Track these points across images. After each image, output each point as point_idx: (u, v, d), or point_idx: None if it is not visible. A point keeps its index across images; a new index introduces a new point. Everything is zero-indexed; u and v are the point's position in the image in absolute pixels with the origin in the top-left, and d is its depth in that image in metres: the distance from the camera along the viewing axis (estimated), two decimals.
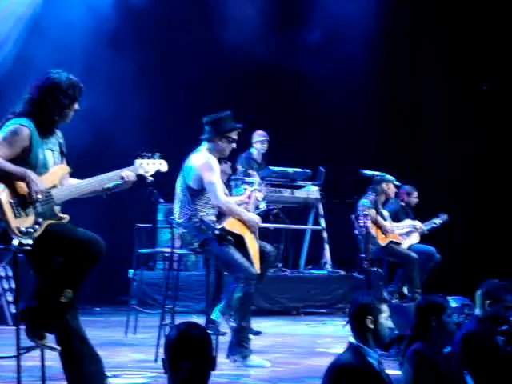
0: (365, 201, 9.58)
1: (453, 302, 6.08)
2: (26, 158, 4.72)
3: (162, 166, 5.31)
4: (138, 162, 5.18)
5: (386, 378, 4.34)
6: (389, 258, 9.79)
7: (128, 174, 4.94)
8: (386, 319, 4.36)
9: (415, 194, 10.39)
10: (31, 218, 4.64)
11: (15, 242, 4.53)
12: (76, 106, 4.89)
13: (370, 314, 4.33)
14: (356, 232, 9.50)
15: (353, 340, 4.34)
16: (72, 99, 4.84)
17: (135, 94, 11.26)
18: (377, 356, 4.36)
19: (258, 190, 7.07)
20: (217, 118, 6.65)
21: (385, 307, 4.35)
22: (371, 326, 4.32)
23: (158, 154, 5.28)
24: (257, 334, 8.35)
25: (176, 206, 6.66)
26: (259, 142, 10.95)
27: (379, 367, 4.33)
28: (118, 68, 10.85)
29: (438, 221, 10.44)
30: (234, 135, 6.65)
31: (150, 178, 5.24)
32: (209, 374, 3.24)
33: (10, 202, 4.60)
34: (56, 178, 4.84)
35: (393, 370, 5.80)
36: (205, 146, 6.62)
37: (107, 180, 4.94)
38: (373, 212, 9.40)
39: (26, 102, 4.82)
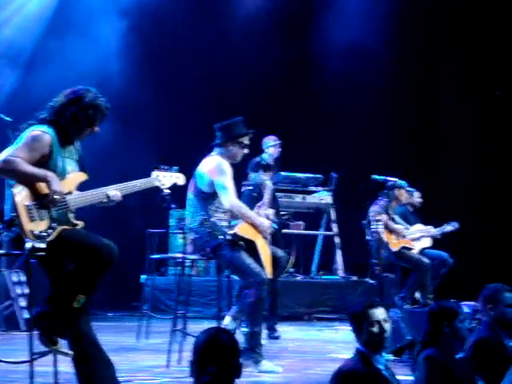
0: (376, 206, 9.56)
1: (465, 308, 6.08)
2: (44, 163, 4.75)
3: (179, 179, 5.36)
4: (154, 173, 5.22)
5: (393, 381, 4.33)
6: (401, 263, 9.76)
7: (116, 193, 4.94)
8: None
9: (416, 194, 10.35)
10: (45, 223, 4.67)
11: (28, 245, 4.55)
12: (96, 129, 4.92)
13: (364, 319, 4.31)
14: (368, 237, 9.48)
15: (359, 346, 4.34)
16: (90, 120, 4.87)
17: (146, 102, 11.31)
18: (384, 361, 4.34)
19: (265, 205, 7.03)
20: (228, 124, 6.67)
21: (377, 311, 4.31)
22: (370, 331, 4.29)
23: (175, 167, 5.31)
24: (277, 338, 8.38)
25: (188, 212, 6.67)
26: (272, 146, 10.90)
27: (387, 372, 4.32)
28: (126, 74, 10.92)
29: (449, 228, 10.41)
30: (246, 140, 6.67)
31: (167, 191, 5.27)
32: (233, 381, 3.26)
33: (26, 205, 4.63)
34: (72, 184, 4.87)
35: (405, 376, 5.82)
36: (217, 151, 6.64)
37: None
38: (384, 217, 9.38)
39: (50, 109, 4.86)
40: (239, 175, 7.47)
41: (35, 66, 10.74)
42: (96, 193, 4.91)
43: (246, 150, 6.69)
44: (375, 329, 4.28)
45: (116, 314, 10.72)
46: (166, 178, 5.25)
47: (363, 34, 12.19)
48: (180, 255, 7.01)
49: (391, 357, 7.02)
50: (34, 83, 10.09)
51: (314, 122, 12.44)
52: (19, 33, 10.93)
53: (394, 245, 9.63)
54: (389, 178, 9.28)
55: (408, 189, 9.84)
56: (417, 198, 10.36)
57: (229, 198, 6.46)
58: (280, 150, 10.91)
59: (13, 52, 10.86)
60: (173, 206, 7.24)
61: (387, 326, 4.32)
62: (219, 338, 3.26)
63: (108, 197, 4.91)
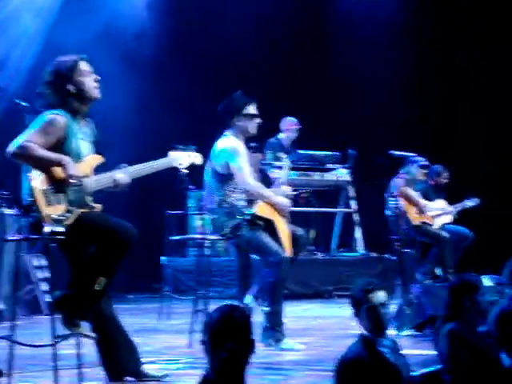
0: (398, 180, 9.50)
1: (487, 281, 6.06)
2: (60, 146, 4.76)
3: (197, 158, 5.35)
4: (171, 154, 5.21)
5: (400, 365, 4.26)
6: (421, 238, 9.72)
7: (121, 176, 4.92)
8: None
9: (445, 174, 10.28)
10: (63, 206, 4.68)
11: (47, 229, 4.57)
12: (91, 78, 4.88)
13: (363, 304, 4.28)
14: (388, 212, 9.45)
15: (363, 330, 4.30)
16: (65, 74, 4.83)
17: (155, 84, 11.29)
18: (389, 344, 4.31)
19: (284, 183, 7.00)
20: (227, 102, 6.59)
21: (375, 295, 4.26)
22: (369, 315, 4.25)
23: (192, 146, 5.30)
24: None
25: (206, 193, 6.66)
26: (290, 130, 10.87)
27: (393, 356, 4.28)
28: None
29: (469, 203, 10.36)
30: (252, 110, 6.57)
31: (185, 171, 5.26)
32: (249, 356, 3.26)
33: (43, 190, 4.64)
34: (88, 167, 4.88)
35: (427, 350, 5.81)
36: (229, 132, 6.59)
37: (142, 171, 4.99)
38: (407, 190, 9.32)
39: (50, 94, 4.85)
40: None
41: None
42: (111, 175, 4.91)
43: (257, 120, 6.58)
44: (374, 313, 4.23)
45: (137, 296, 10.77)
46: (183, 158, 5.24)
47: (380, 4, 12.11)
48: (199, 236, 7.02)
49: (413, 332, 7.03)
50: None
51: (330, 98, 12.38)
52: None
53: (415, 218, 9.59)
54: (407, 154, 9.22)
55: (424, 163, 9.77)
56: (444, 177, 10.28)
57: (244, 178, 6.44)
58: (296, 134, 10.90)
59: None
60: (191, 187, 7.25)
61: (386, 310, 4.27)
62: (233, 314, 3.26)
63: (114, 180, 4.89)
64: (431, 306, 6.84)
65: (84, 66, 4.90)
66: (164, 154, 5.22)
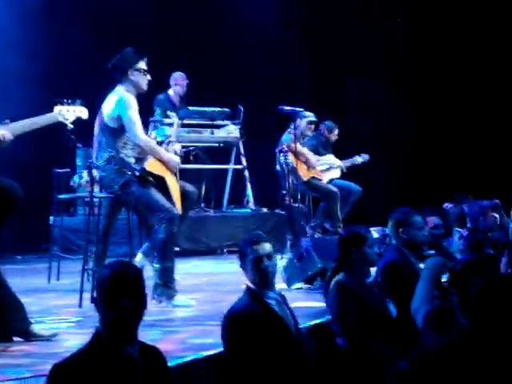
0: (288, 136, 9.56)
1: (374, 233, 6.19)
2: None
3: (83, 113, 5.25)
4: (57, 108, 5.09)
5: (286, 318, 4.32)
6: (310, 193, 9.84)
7: (3, 133, 4.77)
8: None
9: (336, 131, 10.39)
10: None
11: None
12: None
13: (247, 255, 4.31)
14: (278, 168, 9.52)
15: (249, 284, 4.33)
16: None
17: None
18: (276, 296, 4.34)
19: (172, 142, 6.94)
20: (121, 57, 6.47)
21: (260, 247, 4.29)
22: (253, 267, 4.28)
23: (79, 100, 5.18)
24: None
25: (94, 149, 6.54)
26: (179, 85, 10.77)
27: (279, 308, 4.32)
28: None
29: (359, 159, 10.53)
30: (144, 65, 6.46)
31: (71, 126, 5.15)
32: (142, 312, 3.26)
33: None
34: None
35: (317, 302, 5.91)
36: (120, 86, 6.47)
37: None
38: (298, 146, 9.37)
39: None
40: (144, 111, 7.31)
41: None
42: None
43: (148, 76, 6.49)
44: (259, 265, 4.26)
45: (25, 257, 10.54)
46: (69, 113, 5.12)
47: None
48: (87, 194, 6.91)
49: (303, 285, 7.13)
50: None
51: (220, 54, 12.32)
52: None
53: (304, 175, 9.68)
54: (296, 109, 9.28)
55: (313, 119, 9.86)
56: (335, 134, 10.37)
57: (136, 132, 6.35)
58: (185, 89, 10.81)
59: None
60: (78, 144, 7.11)
61: (271, 262, 4.30)
62: (125, 270, 3.25)
63: None
64: (321, 259, 6.94)
65: None
66: (50, 109, 5.09)
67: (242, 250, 4.37)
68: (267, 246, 4.31)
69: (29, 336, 4.90)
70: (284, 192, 9.29)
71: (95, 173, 6.49)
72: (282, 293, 4.51)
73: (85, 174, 8.80)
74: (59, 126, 5.22)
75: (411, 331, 4.17)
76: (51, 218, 8.91)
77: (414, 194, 10.95)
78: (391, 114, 12.38)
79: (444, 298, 3.78)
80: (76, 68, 11.11)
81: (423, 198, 8.76)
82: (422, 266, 4.96)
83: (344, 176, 10.35)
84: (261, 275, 4.27)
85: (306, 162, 9.72)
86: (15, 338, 4.92)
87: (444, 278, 3.97)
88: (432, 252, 5.83)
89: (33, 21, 10.75)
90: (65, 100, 5.14)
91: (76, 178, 9.66)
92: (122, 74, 6.42)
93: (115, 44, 6.73)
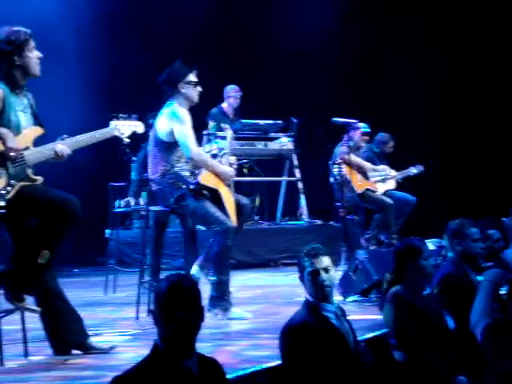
0: (342, 148, 9.53)
1: (430, 245, 6.13)
2: None
3: (138, 127, 5.29)
4: (113, 123, 5.14)
5: (345, 331, 4.31)
6: (365, 205, 9.79)
7: (62, 147, 4.84)
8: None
9: (391, 143, 10.30)
10: (3, 180, 4.61)
11: None
12: (35, 54, 4.81)
13: (306, 269, 4.31)
14: (332, 180, 9.49)
15: (308, 296, 4.33)
16: (17, 45, 4.75)
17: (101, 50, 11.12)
18: (334, 309, 4.34)
19: (227, 154, 6.95)
20: (170, 71, 6.53)
21: (318, 260, 4.30)
22: (311, 280, 4.28)
23: (134, 115, 5.24)
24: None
25: (149, 163, 6.60)
26: (233, 97, 10.85)
27: (337, 321, 4.31)
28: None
29: (413, 170, 10.44)
30: (194, 78, 6.50)
31: (127, 140, 5.20)
32: (199, 325, 3.26)
33: None
34: (28, 140, 4.80)
35: (373, 315, 5.87)
36: (173, 101, 6.52)
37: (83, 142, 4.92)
38: (352, 157, 9.35)
39: None
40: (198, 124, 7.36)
41: None
42: (52, 146, 4.83)
43: (199, 88, 6.53)
44: (316, 278, 4.26)
45: (82, 270, 10.66)
46: (124, 127, 5.17)
47: None
48: (143, 208, 6.96)
49: (359, 297, 7.09)
50: None
51: (271, 67, 12.36)
52: None
53: (359, 186, 9.64)
54: (349, 121, 9.26)
55: (366, 130, 9.82)
56: (390, 146, 10.29)
57: (190, 146, 6.39)
58: (238, 101, 10.87)
59: None
60: (134, 158, 7.17)
61: (328, 275, 4.29)
62: (182, 283, 3.26)
63: (55, 152, 4.81)
64: (376, 271, 6.90)
65: (32, 41, 4.83)
66: (106, 124, 5.15)
67: (300, 262, 4.37)
68: (325, 260, 4.30)
69: (87, 349, 4.94)
70: (338, 204, 9.26)
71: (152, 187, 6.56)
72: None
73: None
74: (115, 140, 5.27)
75: (470, 345, 4.12)
76: (107, 231, 9.00)
77: (472, 206, 10.82)
78: (449, 124, 12.29)
79: (503, 310, 3.73)
80: (131, 85, 11.22)
81: (481, 210, 8.67)
82: (479, 278, 4.90)
83: (400, 187, 10.28)
84: (318, 288, 4.26)
85: (360, 170, 9.68)
86: (73, 351, 4.96)
87: (503, 291, 3.91)
88: (490, 264, 5.75)
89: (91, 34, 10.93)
90: (121, 114, 5.19)
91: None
92: (173, 88, 6.48)
93: (167, 59, 6.77)
